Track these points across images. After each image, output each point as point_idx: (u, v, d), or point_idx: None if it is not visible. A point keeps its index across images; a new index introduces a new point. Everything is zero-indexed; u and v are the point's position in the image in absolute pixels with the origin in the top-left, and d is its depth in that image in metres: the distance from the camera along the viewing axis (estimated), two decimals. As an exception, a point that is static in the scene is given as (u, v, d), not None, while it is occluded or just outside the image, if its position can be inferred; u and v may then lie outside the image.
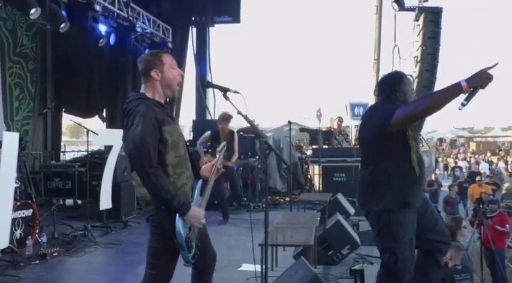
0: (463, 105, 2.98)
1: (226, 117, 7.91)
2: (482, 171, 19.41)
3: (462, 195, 14.63)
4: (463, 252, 6.45)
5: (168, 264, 2.97)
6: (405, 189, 3.33)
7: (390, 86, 3.42)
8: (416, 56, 11.20)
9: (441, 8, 11.20)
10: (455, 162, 25.51)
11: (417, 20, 11.35)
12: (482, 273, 8.74)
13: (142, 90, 2.98)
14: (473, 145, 42.35)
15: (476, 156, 30.27)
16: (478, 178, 14.70)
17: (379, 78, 3.51)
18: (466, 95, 2.96)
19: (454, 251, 5.68)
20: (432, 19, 11.05)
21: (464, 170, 21.03)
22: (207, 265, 3.15)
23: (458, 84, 2.94)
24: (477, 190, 13.08)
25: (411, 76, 11.20)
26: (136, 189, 2.97)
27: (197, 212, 2.87)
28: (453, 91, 2.97)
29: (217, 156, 3.26)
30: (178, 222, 2.79)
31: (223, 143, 3.42)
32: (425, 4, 11.35)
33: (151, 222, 2.94)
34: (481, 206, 9.56)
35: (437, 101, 3.06)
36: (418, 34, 11.22)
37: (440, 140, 45.31)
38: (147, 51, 10.02)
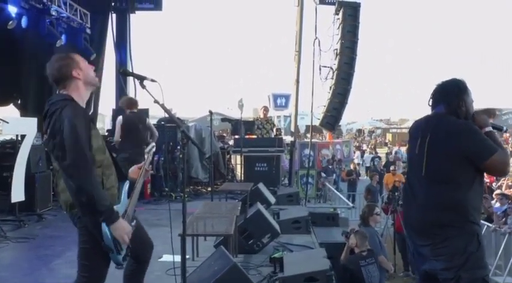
0: None
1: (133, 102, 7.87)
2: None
3: (380, 184, 15.34)
4: (376, 238, 6.77)
5: (99, 265, 2.88)
6: (478, 211, 3.11)
7: (454, 93, 3.15)
8: (336, 49, 11.48)
9: (359, 3, 11.53)
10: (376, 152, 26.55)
11: (337, 14, 11.62)
12: (395, 257, 9.25)
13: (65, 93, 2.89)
14: (389, 136, 44.41)
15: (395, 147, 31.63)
16: (392, 167, 15.40)
17: (436, 86, 3.26)
18: None
19: (359, 238, 5.95)
20: (351, 13, 11.36)
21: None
22: (147, 255, 3.19)
23: None
24: (391, 179, 13.73)
25: (331, 68, 11.50)
26: (61, 194, 2.86)
27: (124, 225, 2.80)
28: None
29: (146, 157, 3.23)
30: (105, 224, 2.73)
31: (152, 144, 3.35)
32: (345, -1, 11.66)
33: (78, 223, 2.85)
34: (395, 194, 10.07)
35: None
36: (338, 27, 11.50)
37: (359, 131, 47.06)
38: (63, 37, 9.62)
